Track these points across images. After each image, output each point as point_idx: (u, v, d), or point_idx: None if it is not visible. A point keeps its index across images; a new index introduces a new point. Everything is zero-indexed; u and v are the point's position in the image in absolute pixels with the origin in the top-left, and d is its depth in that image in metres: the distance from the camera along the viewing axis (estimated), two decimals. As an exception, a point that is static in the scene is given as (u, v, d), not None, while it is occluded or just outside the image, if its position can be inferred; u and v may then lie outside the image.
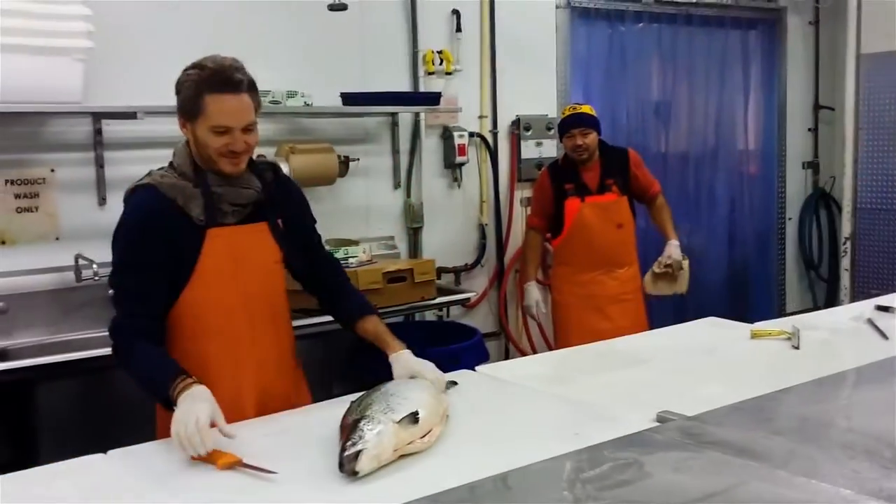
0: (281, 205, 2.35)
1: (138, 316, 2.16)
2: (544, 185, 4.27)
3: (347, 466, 1.73)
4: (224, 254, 2.21)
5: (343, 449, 1.76)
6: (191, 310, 2.21)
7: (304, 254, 2.43)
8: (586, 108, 4.21)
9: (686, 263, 4.22)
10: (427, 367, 2.24)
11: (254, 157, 2.30)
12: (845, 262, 5.84)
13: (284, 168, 2.53)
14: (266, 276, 2.30)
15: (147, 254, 2.16)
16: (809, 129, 6.38)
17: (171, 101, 3.33)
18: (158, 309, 2.19)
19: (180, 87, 2.17)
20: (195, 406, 1.89)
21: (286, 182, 2.44)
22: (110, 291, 2.22)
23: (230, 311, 2.23)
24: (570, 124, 4.13)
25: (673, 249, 4.22)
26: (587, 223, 4.13)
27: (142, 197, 2.20)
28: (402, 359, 2.28)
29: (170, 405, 1.97)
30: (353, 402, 1.99)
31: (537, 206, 4.38)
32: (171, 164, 2.27)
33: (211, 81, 2.11)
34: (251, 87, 2.19)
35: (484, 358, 3.81)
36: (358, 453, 1.73)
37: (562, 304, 4.29)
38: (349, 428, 1.83)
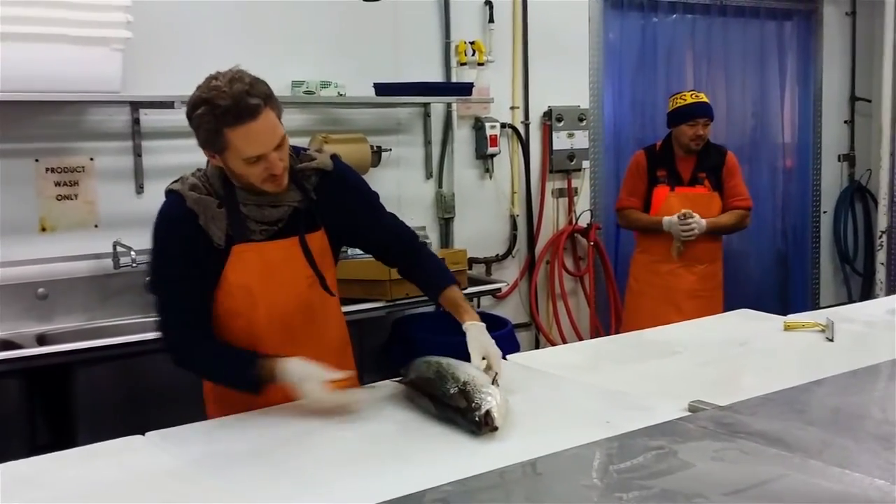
0: (326, 210, 2.22)
1: (183, 325, 2.14)
2: (640, 167, 4.23)
3: (485, 429, 1.88)
4: (250, 270, 2.13)
5: (470, 411, 1.90)
6: (218, 320, 2.19)
7: (368, 235, 2.37)
8: (704, 97, 4.16)
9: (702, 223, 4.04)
10: (495, 351, 2.20)
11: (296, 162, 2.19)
12: (881, 257, 5.77)
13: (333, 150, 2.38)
14: (297, 291, 2.20)
15: (174, 267, 2.12)
16: (845, 122, 6.30)
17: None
18: (199, 314, 2.16)
19: (193, 124, 2.02)
20: (310, 385, 2.01)
21: (333, 182, 2.25)
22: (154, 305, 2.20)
23: (255, 325, 2.17)
24: (697, 113, 4.08)
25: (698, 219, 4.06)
26: (673, 214, 4.07)
27: (169, 205, 2.13)
28: (477, 332, 2.22)
29: (256, 388, 2.07)
30: (423, 378, 2.07)
31: (631, 187, 4.30)
32: (205, 170, 2.18)
33: (226, 117, 1.96)
34: (268, 99, 2.01)
35: (515, 348, 3.83)
36: (489, 412, 1.88)
37: (637, 293, 4.28)
38: (457, 397, 1.95)
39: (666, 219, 4.09)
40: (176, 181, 2.17)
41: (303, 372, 2.03)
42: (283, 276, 2.17)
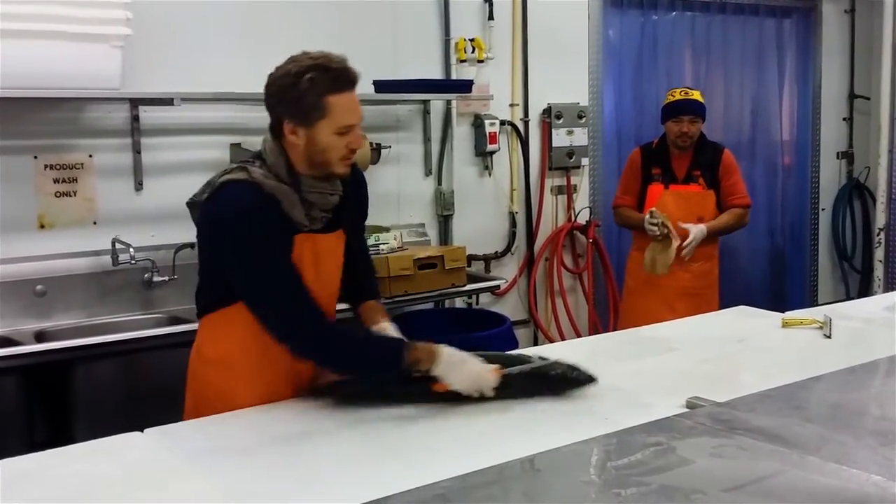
0: (352, 205, 2.31)
1: (315, 313, 2.09)
2: (635, 164, 4.23)
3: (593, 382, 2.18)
4: (304, 260, 2.13)
5: (573, 370, 2.18)
6: None
7: (354, 237, 2.40)
8: (697, 95, 4.13)
9: (689, 246, 3.95)
10: None
11: None
12: (879, 254, 5.79)
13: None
14: (333, 280, 2.27)
15: (281, 255, 2.07)
16: (844, 119, 6.31)
17: (207, 87, 3.44)
18: (315, 300, 2.10)
19: (297, 90, 2.02)
20: (473, 369, 2.09)
21: (356, 178, 2.35)
22: (259, 298, 2.09)
23: None
24: (681, 109, 4.05)
25: (695, 229, 3.99)
26: (666, 211, 4.04)
27: (246, 195, 2.06)
28: (392, 329, 2.32)
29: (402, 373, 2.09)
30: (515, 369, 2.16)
31: (626, 185, 4.30)
32: (262, 161, 2.13)
33: (336, 82, 2.03)
34: None
35: (513, 345, 3.83)
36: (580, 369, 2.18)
37: (633, 290, 4.28)
38: (555, 365, 2.18)
39: (646, 216, 4.06)
40: (229, 172, 2.11)
41: (456, 357, 2.09)
42: (328, 267, 2.23)
